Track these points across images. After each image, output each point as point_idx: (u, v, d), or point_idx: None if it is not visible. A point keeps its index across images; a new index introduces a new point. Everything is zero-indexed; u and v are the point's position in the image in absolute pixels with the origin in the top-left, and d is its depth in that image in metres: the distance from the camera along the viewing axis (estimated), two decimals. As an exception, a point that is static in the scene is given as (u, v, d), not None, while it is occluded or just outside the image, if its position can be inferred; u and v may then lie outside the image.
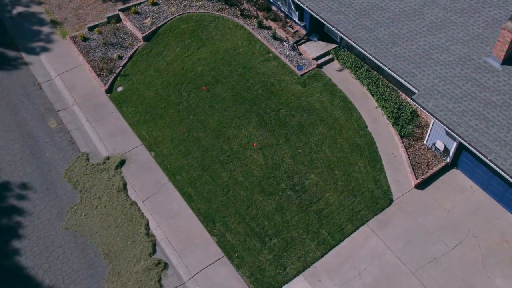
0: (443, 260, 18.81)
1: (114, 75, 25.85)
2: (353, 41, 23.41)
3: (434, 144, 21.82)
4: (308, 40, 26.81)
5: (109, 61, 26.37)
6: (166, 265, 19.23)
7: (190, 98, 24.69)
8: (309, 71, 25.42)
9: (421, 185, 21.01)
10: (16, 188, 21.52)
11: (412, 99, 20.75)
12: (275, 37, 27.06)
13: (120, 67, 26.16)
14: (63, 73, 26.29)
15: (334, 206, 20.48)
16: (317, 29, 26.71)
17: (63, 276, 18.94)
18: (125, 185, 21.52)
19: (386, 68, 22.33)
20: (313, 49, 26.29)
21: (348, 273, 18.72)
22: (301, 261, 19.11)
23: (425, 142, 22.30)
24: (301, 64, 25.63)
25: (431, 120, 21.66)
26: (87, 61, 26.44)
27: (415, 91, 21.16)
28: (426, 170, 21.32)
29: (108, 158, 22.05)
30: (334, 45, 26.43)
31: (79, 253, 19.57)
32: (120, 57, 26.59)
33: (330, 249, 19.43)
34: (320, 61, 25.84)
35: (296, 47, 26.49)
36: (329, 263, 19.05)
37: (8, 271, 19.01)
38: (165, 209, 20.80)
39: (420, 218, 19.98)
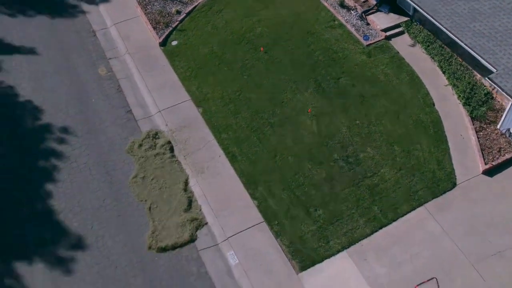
0: (508, 254, 16.58)
1: (170, 29, 24.79)
2: (428, 14, 21.38)
3: (509, 129, 19.51)
4: (378, 11, 24.83)
5: (167, 15, 25.34)
6: (201, 224, 17.90)
7: (246, 58, 23.29)
8: (376, 42, 23.51)
9: (490, 172, 18.76)
10: (57, 131, 20.79)
11: (489, 78, 18.61)
12: (342, 5, 25.24)
13: (177, 22, 25.10)
14: (119, 23, 25.45)
15: (390, 183, 18.57)
16: (388, 0, 24.67)
17: (92, 221, 18.01)
18: (169, 140, 20.29)
19: (462, 44, 20.21)
20: (382, 20, 24.30)
21: (398, 256, 16.82)
22: (347, 237, 17.35)
23: (498, 126, 19.97)
24: (367, 34, 23.72)
25: (508, 103, 19.32)
26: (145, 13, 25.51)
27: (494, 70, 18.96)
28: (497, 156, 19.04)
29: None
30: (405, 18, 24.34)
31: (112, 200, 18.57)
32: (178, 12, 25.50)
33: (381, 228, 17.57)
34: (388, 33, 23.89)
35: (364, 16, 24.57)
36: (378, 242, 17.20)
37: (38, 213, 18.18)
38: (207, 167, 19.48)
39: (486, 206, 17.79)
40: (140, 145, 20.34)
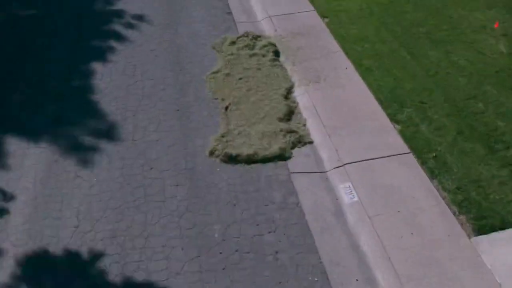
0: None
1: None
2: None
3: None
4: None
5: None
6: (301, 140, 10.66)
7: (399, -26, 16.40)
8: None
9: None
10: (129, 17, 15.28)
11: None
12: None
13: None
14: None
15: None
16: None
17: (137, 110, 11.54)
18: (273, 43, 13.69)
19: None
20: None
21: None
22: None
23: None
24: None
25: None
26: None
27: None
28: None
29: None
30: None
31: (174, 92, 12.21)
32: None
33: None
34: None
35: None
36: None
37: (72, 89, 12.14)
38: (325, 77, 12.45)
39: None
40: (233, 42, 13.98)
